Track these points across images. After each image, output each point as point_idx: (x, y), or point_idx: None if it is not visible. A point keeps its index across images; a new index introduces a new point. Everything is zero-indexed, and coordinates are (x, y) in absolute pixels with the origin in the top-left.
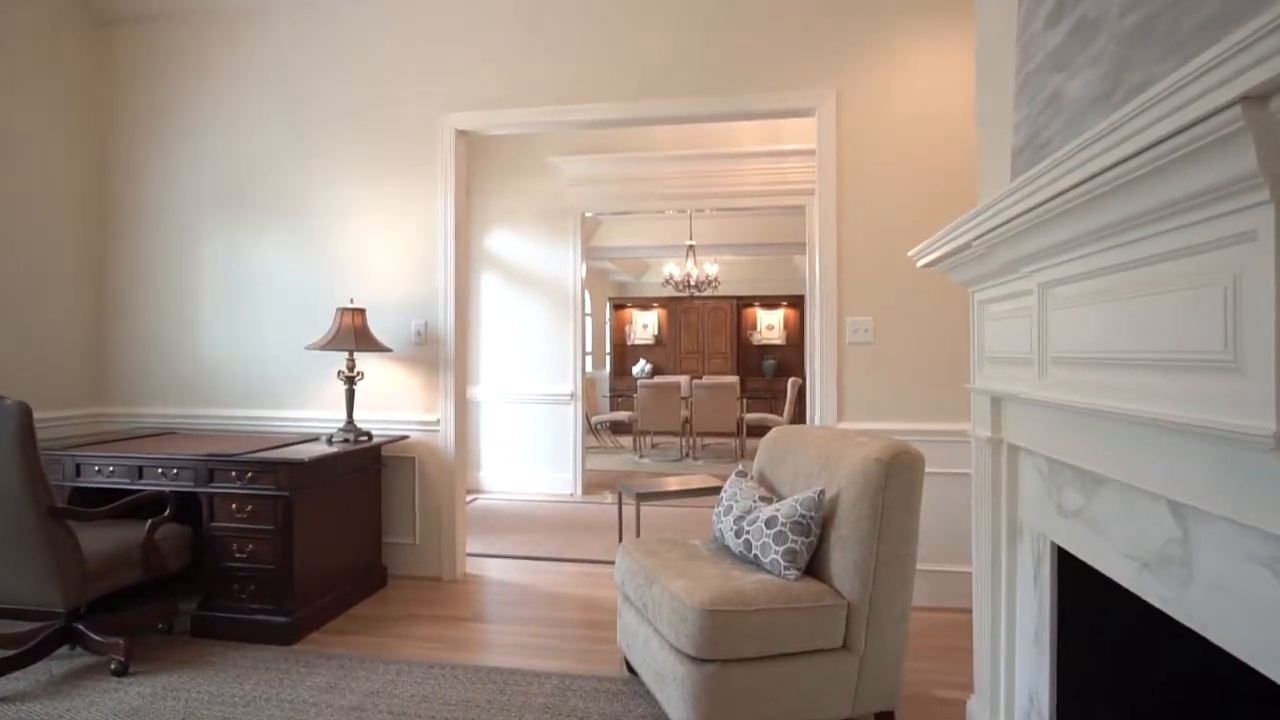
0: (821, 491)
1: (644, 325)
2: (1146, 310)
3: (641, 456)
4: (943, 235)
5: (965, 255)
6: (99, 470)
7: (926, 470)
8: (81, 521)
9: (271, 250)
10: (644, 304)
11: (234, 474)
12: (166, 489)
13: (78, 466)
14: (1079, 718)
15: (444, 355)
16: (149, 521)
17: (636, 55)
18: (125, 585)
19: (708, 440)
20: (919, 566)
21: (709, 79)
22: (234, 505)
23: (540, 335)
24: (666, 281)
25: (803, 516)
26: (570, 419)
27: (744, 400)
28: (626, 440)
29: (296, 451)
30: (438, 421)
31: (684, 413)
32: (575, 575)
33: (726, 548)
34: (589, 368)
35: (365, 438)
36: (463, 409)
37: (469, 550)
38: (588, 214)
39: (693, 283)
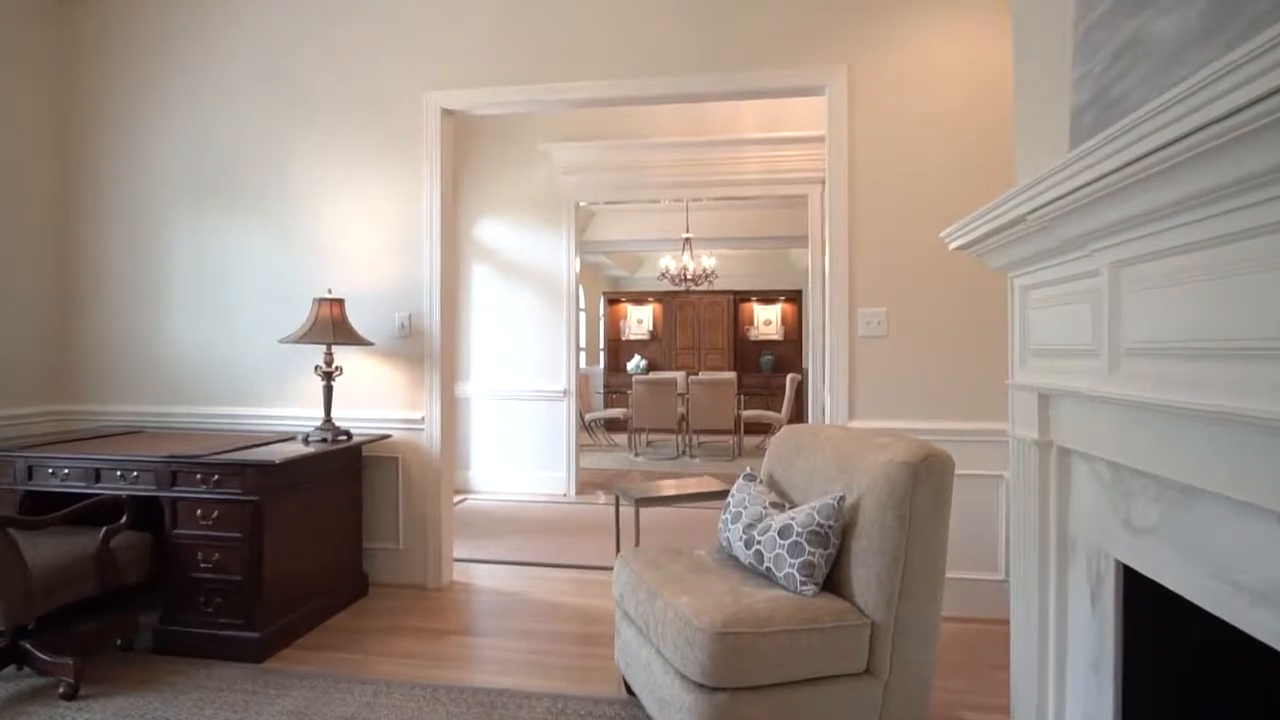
0: (841, 498)
1: (639, 320)
2: (1268, 289)
3: (637, 455)
4: (986, 212)
5: (1012, 234)
6: (53, 473)
7: None
8: (27, 530)
9: (245, 238)
10: (639, 298)
11: (198, 477)
12: (124, 493)
13: (30, 469)
14: None
15: (429, 349)
16: (103, 530)
17: (635, 30)
18: (79, 599)
19: (704, 438)
20: None
21: (711, 55)
22: (199, 511)
23: (532, 329)
24: (662, 275)
25: (820, 526)
26: (563, 416)
27: (741, 397)
28: (621, 438)
29: (269, 452)
30: (423, 419)
31: (680, 410)
32: (568, 582)
33: (735, 558)
34: (582, 364)
35: (345, 437)
36: (449, 406)
37: (456, 555)
38: (581, 203)
39: (689, 276)
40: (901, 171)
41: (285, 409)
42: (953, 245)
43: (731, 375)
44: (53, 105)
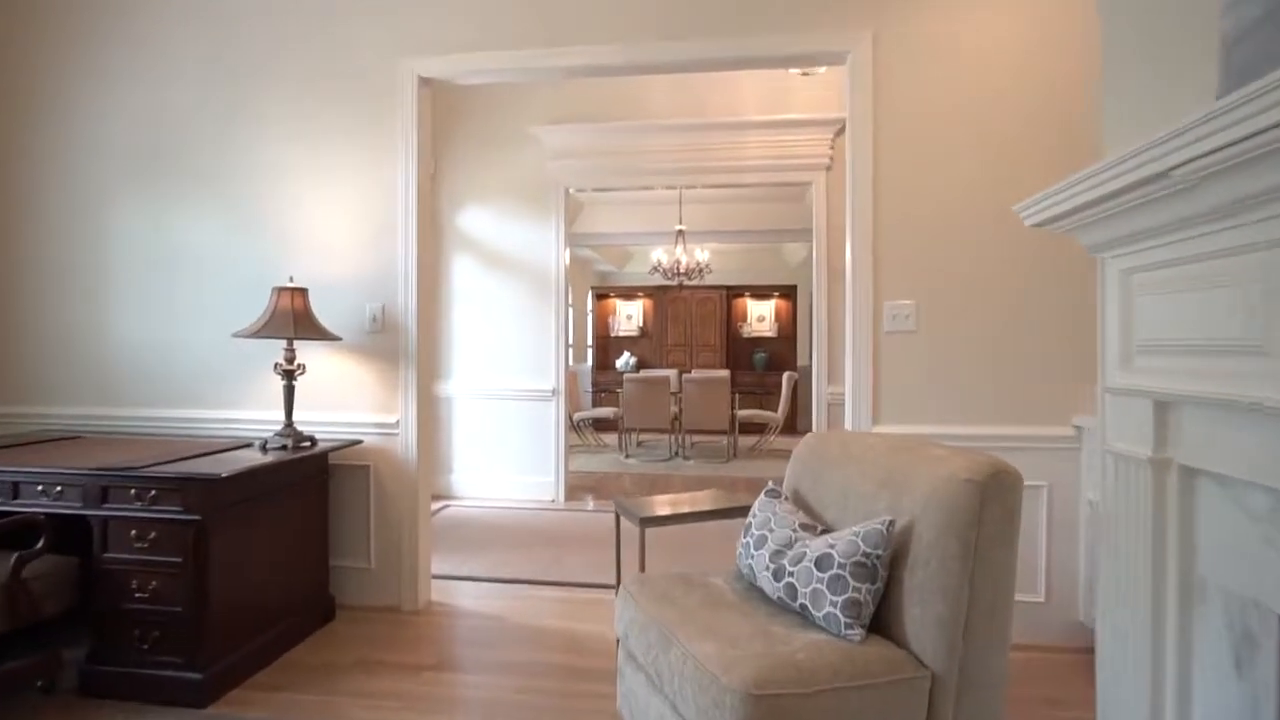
0: (890, 522)
1: (628, 316)
2: None
3: (628, 456)
4: (1097, 172)
5: (1133, 199)
6: None
7: None
8: None
9: (198, 222)
10: (628, 294)
11: (133, 492)
12: (44, 512)
13: None
14: None
15: (405, 345)
16: (15, 556)
17: None
18: None
19: (697, 438)
20: None
21: (719, 18)
22: (133, 532)
23: (519, 325)
24: (654, 269)
25: (866, 556)
26: (551, 417)
27: (736, 396)
28: (610, 438)
29: (217, 462)
30: (397, 423)
31: (673, 409)
32: (559, 602)
33: (758, 589)
34: (570, 361)
35: (308, 443)
36: (427, 408)
37: (435, 572)
38: (572, 190)
39: (682, 269)
40: (932, 151)
41: (244, 411)
42: (1033, 219)
43: (725, 374)
44: None
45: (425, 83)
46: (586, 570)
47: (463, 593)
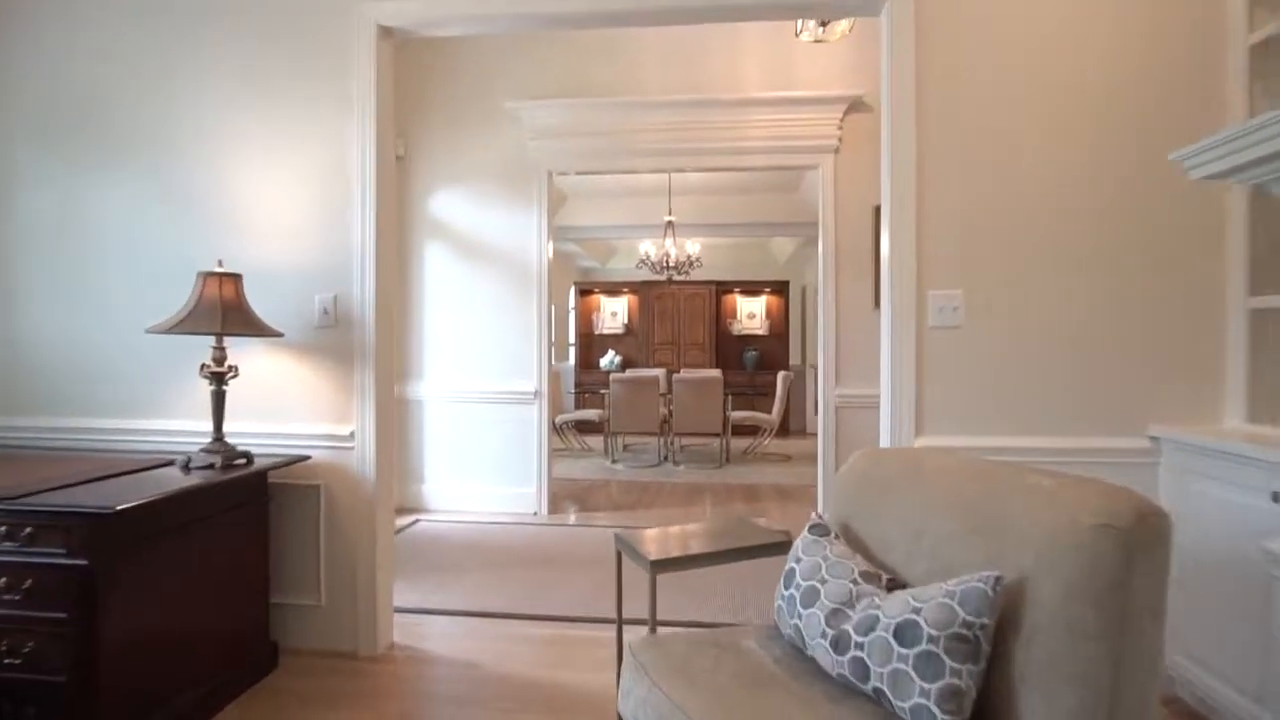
0: (996, 579)
1: (613, 313)
2: None
3: (614, 461)
4: None
5: None
6: None
7: None
8: None
9: (119, 200)
10: (613, 289)
11: (2, 529)
12: None
13: None
14: None
15: (362, 343)
16: None
17: None
18: None
19: (686, 440)
20: None
21: None
22: (3, 580)
23: (497, 320)
24: (642, 262)
25: (968, 627)
26: (534, 421)
27: (728, 397)
28: (594, 441)
29: (120, 489)
30: (352, 435)
31: (663, 411)
32: (545, 644)
33: (809, 659)
34: (553, 360)
35: (242, 460)
36: (388, 417)
37: (399, 604)
38: (555, 173)
39: (671, 263)
40: (984, 119)
41: (170, 421)
42: (1205, 170)
43: (718, 373)
44: None
45: (386, 33)
46: (576, 600)
47: (431, 631)
